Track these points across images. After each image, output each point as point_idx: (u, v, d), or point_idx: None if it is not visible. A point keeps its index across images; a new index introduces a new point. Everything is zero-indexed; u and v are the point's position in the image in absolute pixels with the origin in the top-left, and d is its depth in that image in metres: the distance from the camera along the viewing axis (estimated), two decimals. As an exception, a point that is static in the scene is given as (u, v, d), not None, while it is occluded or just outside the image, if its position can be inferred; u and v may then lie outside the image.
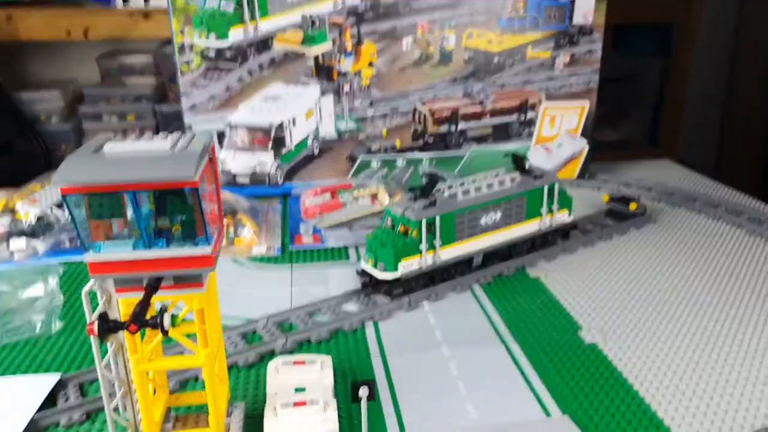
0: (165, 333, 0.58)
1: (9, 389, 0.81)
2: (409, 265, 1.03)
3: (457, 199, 1.06)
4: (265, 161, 1.48)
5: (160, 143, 0.59)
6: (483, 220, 1.09)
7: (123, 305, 0.63)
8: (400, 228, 1.03)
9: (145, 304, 0.57)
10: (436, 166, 1.55)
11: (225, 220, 1.25)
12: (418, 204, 1.02)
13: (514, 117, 1.54)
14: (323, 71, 1.45)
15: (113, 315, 0.66)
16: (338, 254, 1.24)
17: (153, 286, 0.60)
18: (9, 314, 1.00)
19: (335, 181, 1.49)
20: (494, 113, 1.53)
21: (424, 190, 1.05)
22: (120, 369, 0.67)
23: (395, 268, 1.01)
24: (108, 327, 0.57)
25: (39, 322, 0.97)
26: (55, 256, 1.19)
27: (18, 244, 1.16)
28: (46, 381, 0.82)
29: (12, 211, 1.17)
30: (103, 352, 0.64)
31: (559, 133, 1.57)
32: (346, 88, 1.47)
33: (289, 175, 1.51)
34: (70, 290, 1.10)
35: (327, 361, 0.82)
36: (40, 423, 0.76)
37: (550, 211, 1.17)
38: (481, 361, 0.89)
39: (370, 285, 1.04)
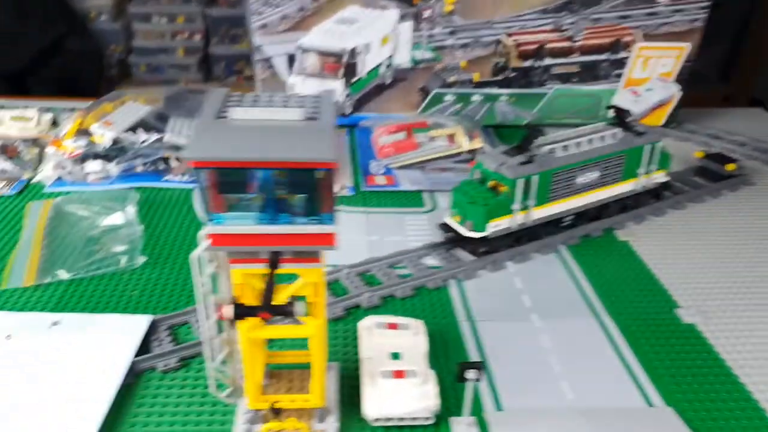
0: (296, 321, 0.55)
1: (104, 328, 0.80)
2: (498, 225, 0.98)
3: (556, 155, 1.00)
4: (334, 88, 1.40)
5: (289, 112, 0.53)
6: (579, 179, 1.03)
7: (236, 275, 0.60)
8: (491, 183, 0.98)
9: (270, 287, 0.54)
10: (515, 103, 1.46)
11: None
12: (515, 159, 0.96)
13: (604, 56, 1.43)
14: (405, -6, 1.34)
15: (224, 283, 0.64)
16: (412, 200, 1.19)
17: (275, 263, 0.56)
18: (90, 243, 0.98)
19: (408, 117, 1.42)
20: (584, 50, 1.43)
21: (522, 143, 0.98)
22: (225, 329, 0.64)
23: (484, 228, 0.96)
24: (240, 313, 0.54)
25: (123, 256, 0.95)
26: (127, 180, 1.17)
27: (93, 166, 1.13)
28: (140, 323, 0.81)
29: (87, 133, 1.13)
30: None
31: (651, 77, 1.46)
32: (427, 13, 1.36)
33: (358, 104, 1.44)
34: (146, 219, 1.07)
35: (421, 326, 0.80)
36: (136, 366, 0.76)
37: (648, 171, 1.10)
38: (574, 334, 0.86)
39: (453, 240, 1.00)
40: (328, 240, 0.56)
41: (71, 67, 2.60)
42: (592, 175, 1.04)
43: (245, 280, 0.59)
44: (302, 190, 0.53)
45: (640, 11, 1.40)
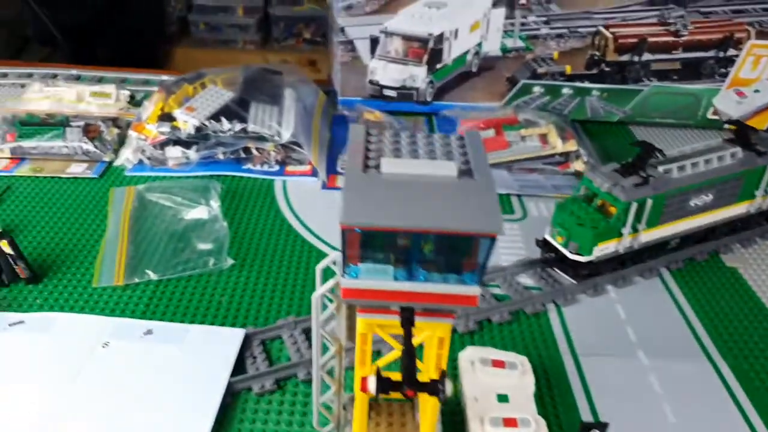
0: (444, 401, 0.51)
1: (198, 341, 0.78)
2: (605, 248, 0.92)
3: (672, 176, 0.92)
4: (417, 74, 1.33)
5: (442, 166, 0.48)
6: (693, 201, 0.96)
7: (361, 324, 0.56)
8: (599, 203, 0.91)
9: (412, 356, 0.50)
10: (607, 99, 1.37)
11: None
12: (629, 181, 0.89)
13: (711, 53, 1.33)
14: (501, -21, 1.25)
15: (342, 323, 0.61)
16: (501, 205, 1.13)
17: (410, 321, 0.52)
18: (175, 239, 0.96)
19: (494, 108, 1.35)
20: (688, 46, 1.32)
21: (636, 162, 0.91)
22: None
23: (591, 252, 0.91)
24: (384, 388, 0.50)
25: (210, 257, 0.92)
26: (207, 167, 1.13)
27: (174, 152, 1.10)
28: (234, 337, 0.79)
29: (170, 118, 1.09)
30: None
31: (761, 77, 1.35)
32: (523, 0, 1.27)
33: (440, 92, 1.37)
34: (229, 212, 1.04)
35: (526, 364, 0.76)
36: (233, 386, 0.74)
37: (766, 192, 1.02)
38: (685, 377, 0.81)
39: (553, 261, 0.95)
40: (469, 300, 0.51)
41: (133, 23, 2.57)
42: (706, 197, 0.97)
43: (369, 329, 0.56)
44: (452, 251, 0.48)
45: (757, 5, 1.28)
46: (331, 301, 0.61)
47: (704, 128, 1.42)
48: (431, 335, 0.56)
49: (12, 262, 0.83)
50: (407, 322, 0.52)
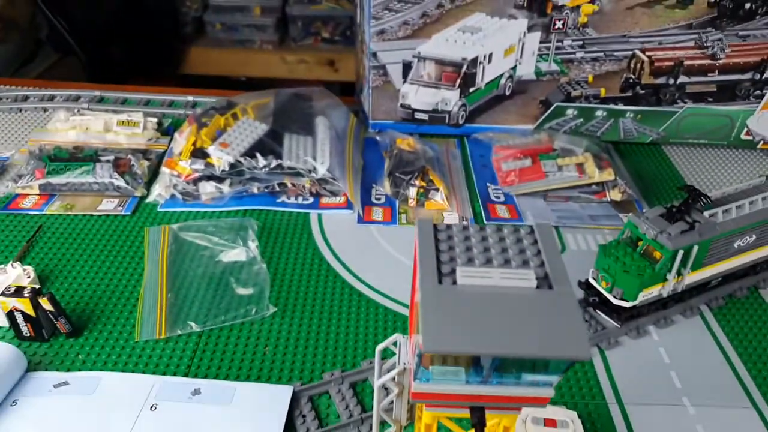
0: None
1: (247, 400, 0.78)
2: (649, 294, 0.91)
3: (717, 221, 0.91)
4: (449, 98, 1.32)
5: (520, 277, 0.47)
6: (736, 244, 0.94)
7: (427, 416, 0.55)
8: (646, 248, 0.90)
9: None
10: (641, 120, 1.35)
11: (417, 183, 1.14)
12: (675, 228, 0.88)
13: (747, 75, 1.30)
14: (537, 3, 1.23)
15: (402, 407, 0.60)
16: (540, 236, 1.12)
17: (482, 423, 0.51)
18: (213, 283, 0.95)
19: (527, 132, 1.33)
20: (725, 69, 1.30)
21: (681, 208, 0.90)
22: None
23: (636, 298, 0.90)
24: None
25: (251, 305, 0.91)
26: (240, 202, 1.12)
27: (208, 187, 1.09)
28: (282, 394, 0.78)
29: (203, 154, 1.08)
30: None
31: (795, 99, 1.33)
32: (559, 24, 1.25)
33: (472, 114, 1.35)
34: (266, 251, 1.03)
35: (577, 421, 0.75)
36: (284, 454, 0.74)
37: (809, 231, 1.00)
38: (733, 428, 0.80)
39: (596, 303, 0.94)
40: (540, 401, 0.51)
41: (147, 24, 2.54)
42: (749, 238, 0.96)
43: (435, 420, 0.55)
44: (530, 364, 0.48)
45: (795, 28, 1.26)
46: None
47: (737, 148, 1.41)
48: (497, 423, 0.56)
49: (53, 318, 0.83)
50: (479, 425, 0.51)
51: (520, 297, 0.45)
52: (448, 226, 0.53)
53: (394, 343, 0.60)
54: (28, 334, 0.83)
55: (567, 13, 1.23)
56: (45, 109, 1.38)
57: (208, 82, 2.72)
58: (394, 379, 0.58)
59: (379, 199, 1.18)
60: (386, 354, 0.60)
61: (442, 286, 0.46)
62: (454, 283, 0.46)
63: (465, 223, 0.53)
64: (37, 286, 0.83)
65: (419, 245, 0.51)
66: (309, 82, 2.70)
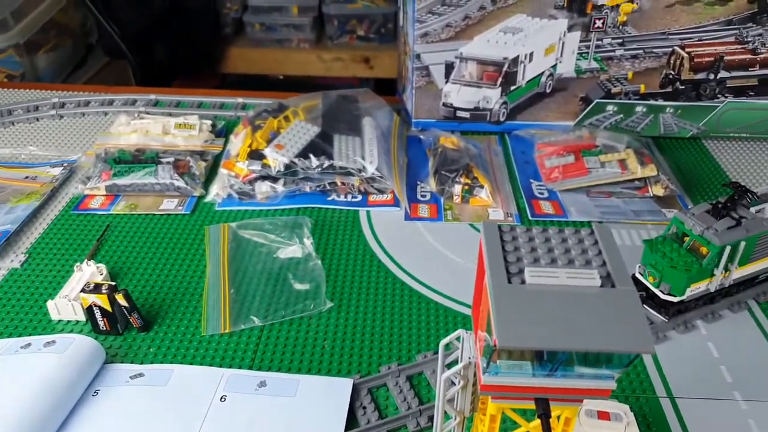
0: None
1: (311, 392, 0.82)
2: (696, 289, 0.93)
3: (764, 216, 0.93)
4: (491, 97, 1.34)
5: (585, 274, 0.50)
6: (782, 239, 0.96)
7: (491, 407, 0.59)
8: (693, 244, 0.92)
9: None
10: (681, 115, 1.36)
11: (462, 180, 1.18)
12: (722, 224, 0.90)
13: (789, 69, 1.31)
14: (576, 3, 1.25)
15: (465, 399, 0.64)
16: (584, 232, 1.14)
17: (548, 414, 0.55)
18: (272, 279, 1.00)
19: (568, 128, 1.35)
20: (766, 63, 1.30)
21: (728, 204, 0.92)
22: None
23: (683, 293, 0.92)
24: None
25: (309, 300, 0.96)
26: (293, 200, 1.17)
27: (263, 187, 1.14)
28: (344, 387, 0.83)
29: (260, 155, 1.13)
30: None
31: (839, 92, 1.33)
32: (598, 23, 1.27)
33: (512, 112, 1.38)
34: (320, 248, 1.08)
35: (629, 414, 0.78)
36: (349, 439, 0.78)
37: None
38: (784, 422, 0.83)
39: (643, 298, 0.96)
40: (603, 393, 0.54)
41: (190, 27, 2.61)
42: (797, 232, 0.97)
43: (500, 411, 0.59)
44: (596, 357, 0.51)
45: (839, 21, 1.26)
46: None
47: (780, 141, 1.42)
48: (559, 413, 0.59)
49: (127, 313, 0.88)
50: (545, 416, 0.55)
51: (585, 295, 0.49)
52: (512, 228, 0.56)
53: (457, 338, 0.64)
54: (104, 328, 0.89)
55: (606, 12, 1.25)
56: (105, 113, 1.45)
57: (247, 81, 2.79)
58: (459, 372, 0.61)
59: (424, 196, 1.22)
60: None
61: (512, 285, 0.50)
62: (523, 282, 0.50)
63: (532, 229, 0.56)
64: (113, 283, 0.88)
65: (486, 247, 0.54)
66: (345, 79, 2.76)
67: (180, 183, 1.15)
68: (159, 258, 1.05)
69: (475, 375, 0.61)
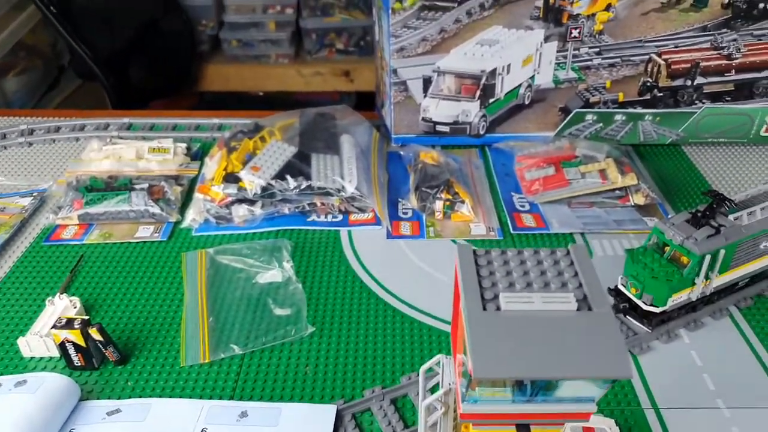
0: None
1: (293, 421, 0.80)
2: (678, 298, 0.92)
3: (742, 224, 0.92)
4: (470, 110, 1.34)
5: (561, 300, 0.49)
6: (762, 244, 0.96)
7: (472, 432, 0.58)
8: (674, 254, 0.92)
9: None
10: (660, 122, 1.37)
11: (443, 196, 1.17)
12: (701, 233, 0.89)
13: (764, 73, 1.31)
14: (552, 13, 1.25)
15: (447, 425, 0.62)
16: (565, 245, 1.12)
17: (528, 438, 0.54)
18: (252, 306, 0.98)
19: (548, 139, 1.35)
20: (741, 68, 1.31)
21: (707, 212, 0.91)
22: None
23: (665, 304, 0.91)
24: None
25: (290, 326, 0.94)
26: (272, 222, 1.15)
27: (240, 210, 1.13)
28: (326, 414, 0.81)
29: (235, 179, 1.11)
30: None
31: (814, 94, 1.34)
32: (575, 33, 1.27)
33: (492, 124, 1.37)
34: (300, 271, 1.06)
35: (614, 429, 0.77)
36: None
37: (832, 223, 1.01)
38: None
39: (625, 309, 0.96)
40: (583, 416, 0.53)
41: (165, 46, 2.59)
42: (776, 238, 0.97)
43: (481, 436, 0.57)
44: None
45: (812, 24, 1.26)
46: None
47: (757, 144, 1.42)
48: (540, 437, 0.58)
49: (102, 348, 0.86)
50: (524, 440, 0.54)
51: (562, 320, 0.48)
52: (487, 252, 0.55)
53: (438, 364, 0.63)
54: (79, 364, 0.86)
55: (582, 21, 1.25)
56: (77, 139, 1.43)
57: (226, 99, 2.77)
58: (440, 399, 0.60)
59: (406, 213, 1.21)
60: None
61: (487, 312, 0.49)
62: (498, 308, 0.49)
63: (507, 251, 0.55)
64: (86, 317, 0.86)
65: (460, 272, 0.53)
66: (325, 93, 2.75)
67: (155, 209, 1.13)
68: (136, 288, 1.03)
69: (455, 401, 0.60)
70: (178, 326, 0.96)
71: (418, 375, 0.87)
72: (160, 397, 0.84)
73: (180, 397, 0.84)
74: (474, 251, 0.55)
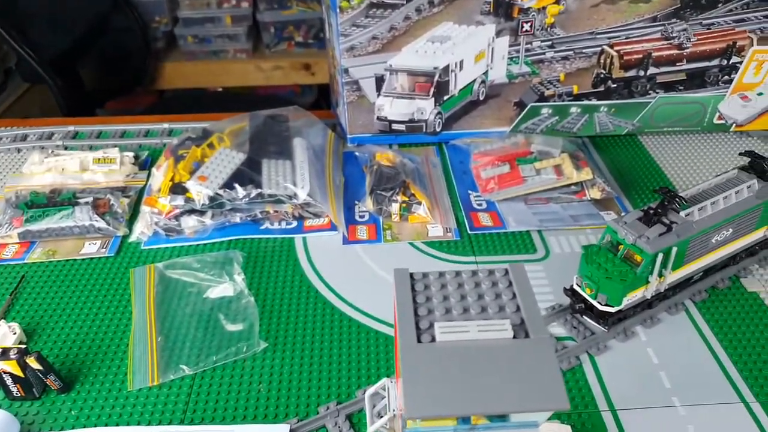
0: None
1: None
2: (633, 297, 0.92)
3: (694, 220, 0.92)
4: (424, 108, 1.32)
5: (497, 326, 0.47)
6: (714, 239, 0.96)
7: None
8: (627, 252, 0.91)
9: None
10: (615, 113, 1.36)
11: (399, 198, 1.15)
12: (653, 231, 0.89)
13: (715, 62, 1.31)
14: (502, 7, 1.23)
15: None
16: (522, 243, 1.13)
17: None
18: (203, 322, 0.95)
19: (504, 134, 1.34)
20: (692, 57, 1.31)
21: (658, 210, 0.91)
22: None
23: (620, 303, 0.91)
24: None
25: (242, 342, 0.92)
26: (223, 231, 1.12)
27: (190, 221, 1.09)
28: (276, 435, 0.79)
29: (182, 189, 1.08)
30: None
31: (763, 81, 1.34)
32: (526, 26, 1.25)
33: (448, 121, 1.36)
34: (253, 282, 1.04)
35: (571, 435, 0.77)
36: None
37: (783, 215, 1.02)
38: (722, 427, 0.82)
39: (581, 309, 0.95)
40: (528, 440, 0.52)
41: (118, 46, 2.52)
42: (726, 232, 0.97)
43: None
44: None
45: (758, 13, 1.26)
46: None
47: (711, 133, 1.43)
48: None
49: (42, 377, 0.83)
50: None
51: (498, 350, 0.46)
52: (425, 275, 0.54)
53: (384, 388, 0.61)
54: (18, 395, 0.83)
55: (533, 15, 1.24)
56: (18, 150, 1.37)
57: (185, 96, 2.71)
58: (385, 425, 0.58)
59: (362, 217, 1.19)
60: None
61: (422, 345, 0.47)
62: (433, 339, 0.47)
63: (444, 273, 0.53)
64: (23, 345, 0.83)
65: (397, 298, 0.51)
66: (286, 87, 2.70)
67: (101, 224, 1.09)
68: (81, 308, 0.99)
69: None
70: (126, 348, 0.92)
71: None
72: (107, 425, 0.81)
73: (128, 425, 0.81)
74: (411, 275, 0.54)
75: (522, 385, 0.44)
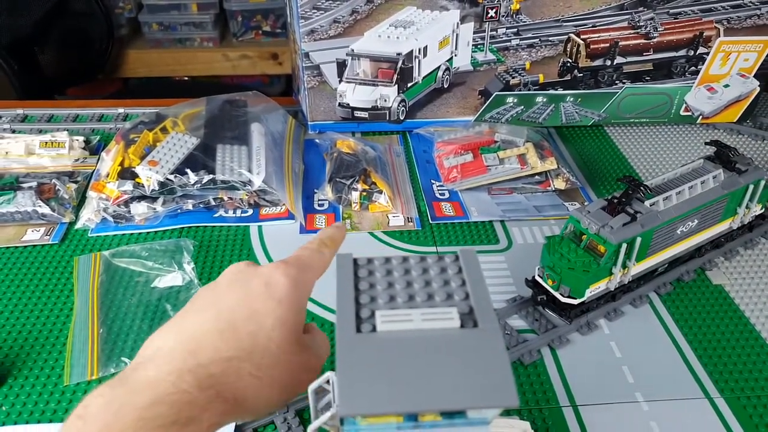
0: None
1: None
2: (596, 288, 0.90)
3: (658, 210, 0.90)
4: (388, 95, 1.28)
5: (443, 314, 0.44)
6: (679, 230, 0.94)
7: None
8: (590, 242, 0.89)
9: None
10: (582, 103, 1.34)
11: (359, 186, 1.11)
12: (617, 221, 0.87)
13: (681, 52, 1.30)
14: (468, -8, 1.20)
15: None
16: (484, 233, 1.10)
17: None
18: (149, 313, 0.91)
19: (468, 123, 1.31)
20: (659, 47, 1.29)
21: (622, 199, 0.89)
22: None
23: (583, 295, 0.89)
24: None
25: (189, 335, 0.87)
26: (175, 219, 1.07)
27: (140, 208, 1.04)
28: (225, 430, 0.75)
29: (131, 174, 1.03)
30: None
31: (730, 73, 1.33)
32: (491, 12, 1.22)
33: (412, 109, 1.32)
34: (204, 273, 0.99)
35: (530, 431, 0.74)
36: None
37: (748, 207, 1.01)
38: (686, 423, 0.80)
39: (543, 301, 0.93)
40: (477, 437, 0.48)
41: (78, 30, 2.43)
42: (692, 223, 0.95)
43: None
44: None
45: (725, 3, 1.25)
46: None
47: (678, 124, 1.42)
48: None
49: (-25, 368, 0.78)
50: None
51: (443, 340, 0.43)
52: (369, 260, 0.50)
53: (328, 381, 0.57)
54: (-52, 389, 0.78)
55: (499, 0, 1.21)
56: (-39, 133, 1.30)
57: (150, 84, 2.63)
58: (326, 423, 0.55)
59: (322, 206, 1.15)
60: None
61: (361, 335, 0.43)
62: (374, 329, 0.44)
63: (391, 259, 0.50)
64: (-47, 337, 0.77)
65: (338, 285, 0.48)
66: (253, 77, 2.64)
67: (45, 209, 1.04)
68: (20, 297, 0.94)
69: (345, 424, 0.54)
70: (65, 340, 0.87)
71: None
72: (39, 422, 0.76)
73: (62, 421, 0.76)
74: (355, 260, 0.50)
75: (468, 380, 0.41)
